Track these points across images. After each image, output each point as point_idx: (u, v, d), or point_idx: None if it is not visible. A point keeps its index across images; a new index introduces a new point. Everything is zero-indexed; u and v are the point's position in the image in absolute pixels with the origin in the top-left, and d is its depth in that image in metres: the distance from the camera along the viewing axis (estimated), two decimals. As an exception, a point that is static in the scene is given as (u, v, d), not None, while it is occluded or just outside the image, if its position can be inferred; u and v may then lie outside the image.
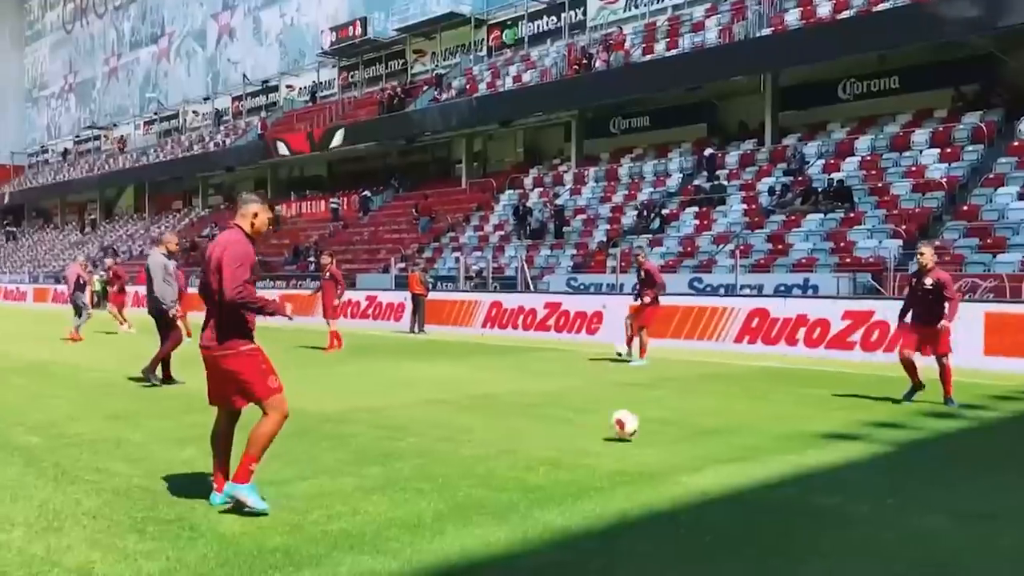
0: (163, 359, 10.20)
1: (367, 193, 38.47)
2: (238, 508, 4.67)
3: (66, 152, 70.70)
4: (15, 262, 58.98)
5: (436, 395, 9.71)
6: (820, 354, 14.48)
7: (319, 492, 5.28)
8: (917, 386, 9.24)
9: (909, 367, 9.23)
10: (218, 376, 4.85)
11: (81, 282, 18.56)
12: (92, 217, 61.75)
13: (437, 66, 39.13)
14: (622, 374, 12.18)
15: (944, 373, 9.08)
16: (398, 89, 38.17)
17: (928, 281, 9.10)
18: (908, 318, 9.46)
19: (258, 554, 4.08)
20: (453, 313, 21.52)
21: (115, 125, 66.12)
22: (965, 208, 19.39)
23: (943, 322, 8.95)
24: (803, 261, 19.81)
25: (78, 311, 18.13)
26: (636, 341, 13.70)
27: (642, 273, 13.84)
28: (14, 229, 69.89)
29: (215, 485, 4.91)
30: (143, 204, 58.15)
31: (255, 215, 4.96)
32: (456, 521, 4.65)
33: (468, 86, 35.36)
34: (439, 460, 6.23)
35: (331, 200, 39.89)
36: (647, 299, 13.56)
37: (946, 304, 8.98)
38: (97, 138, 68.06)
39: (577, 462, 6.20)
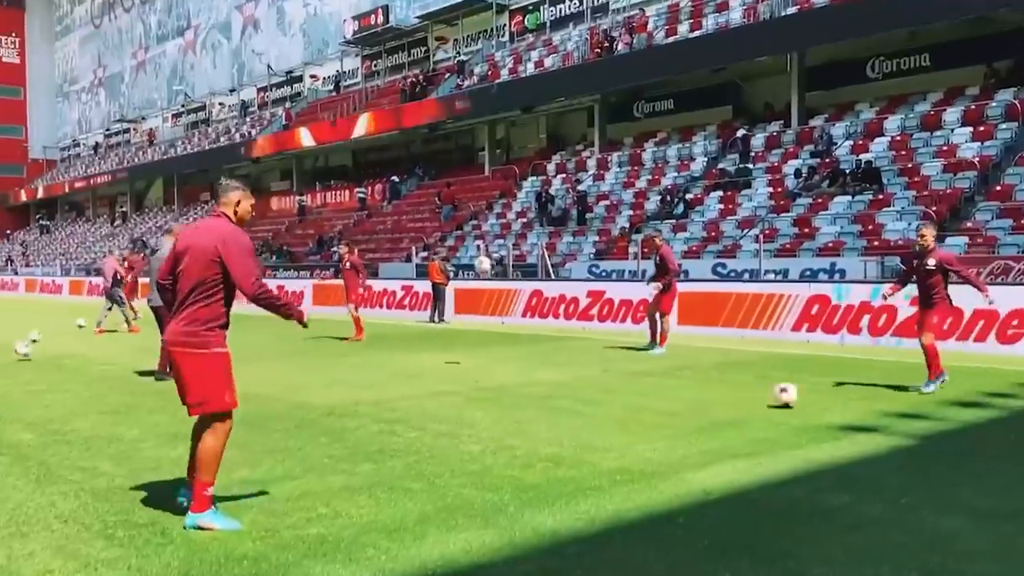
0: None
1: (395, 178, 38.29)
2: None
3: (97, 146, 71.48)
4: (48, 255, 59.75)
5: (446, 387, 9.50)
6: (886, 342, 13.47)
7: (304, 492, 5.08)
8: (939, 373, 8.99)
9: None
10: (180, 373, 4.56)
11: (118, 276, 18.66)
12: (123, 210, 62.39)
13: (459, 53, 38.82)
14: (639, 363, 11.89)
15: (927, 354, 8.89)
16: (420, 77, 37.95)
17: (930, 262, 8.83)
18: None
19: (224, 562, 3.88)
20: (492, 302, 20.65)
21: (144, 118, 66.67)
22: (998, 188, 18.80)
23: (987, 295, 8.74)
24: (830, 245, 19.33)
25: (113, 304, 18.34)
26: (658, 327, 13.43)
27: (657, 258, 13.52)
28: (48, 223, 70.86)
29: (189, 483, 4.66)
30: (172, 196, 58.60)
31: (238, 203, 4.68)
32: (440, 524, 4.43)
33: (490, 72, 35.05)
34: (435, 457, 6.01)
35: (358, 189, 39.75)
36: (660, 285, 13.25)
37: (945, 286, 8.83)
38: (127, 131, 68.70)
39: (579, 458, 5.95)
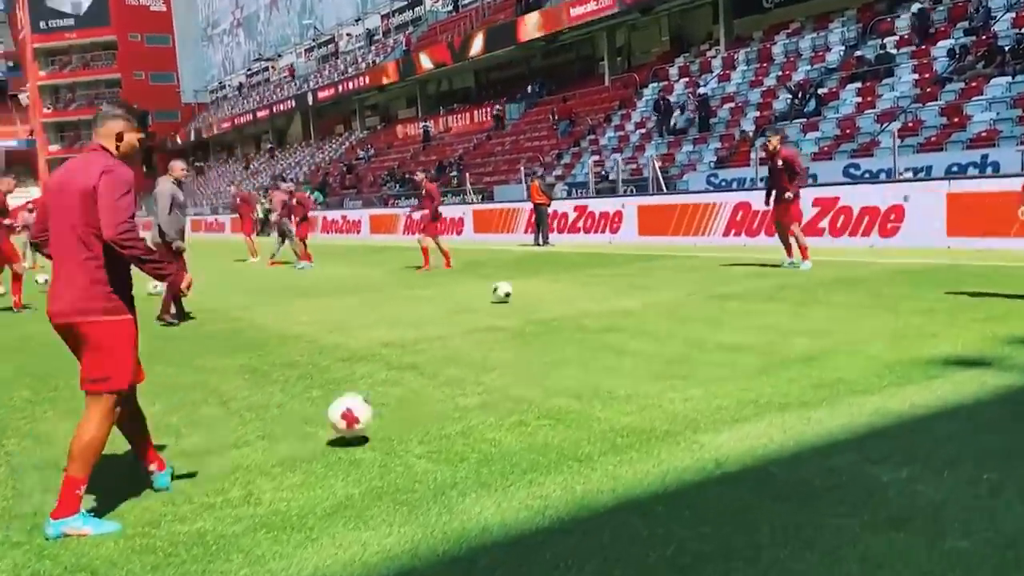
0: (176, 297, 9.70)
1: (497, 107, 37.03)
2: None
3: (240, 86, 73.72)
4: (202, 195, 62.60)
5: (497, 321, 8.58)
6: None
7: (236, 466, 4.32)
8: None
9: None
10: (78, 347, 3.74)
11: (287, 208, 18.69)
12: (270, 146, 64.25)
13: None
14: (736, 284, 10.54)
15: None
16: (533, -14, 36.18)
17: None
18: None
19: (60, 574, 3.17)
20: (684, 222, 17.37)
21: (279, 55, 68.00)
22: None
23: None
24: (983, 135, 16.84)
25: (282, 237, 18.54)
26: (793, 244, 11.93)
27: (779, 162, 11.76)
28: (202, 164, 74.30)
29: (151, 467, 4.06)
30: (308, 131, 59.74)
31: (119, 135, 3.79)
32: (352, 516, 3.55)
33: (606, -27, 32.84)
34: (416, 415, 5.12)
35: (495, 105, 38.40)
36: (789, 194, 11.63)
37: None
38: (266, 70, 70.39)
39: (587, 413, 4.91)
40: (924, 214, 13.25)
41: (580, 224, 20.24)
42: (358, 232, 31.23)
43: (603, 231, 19.52)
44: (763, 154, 13.51)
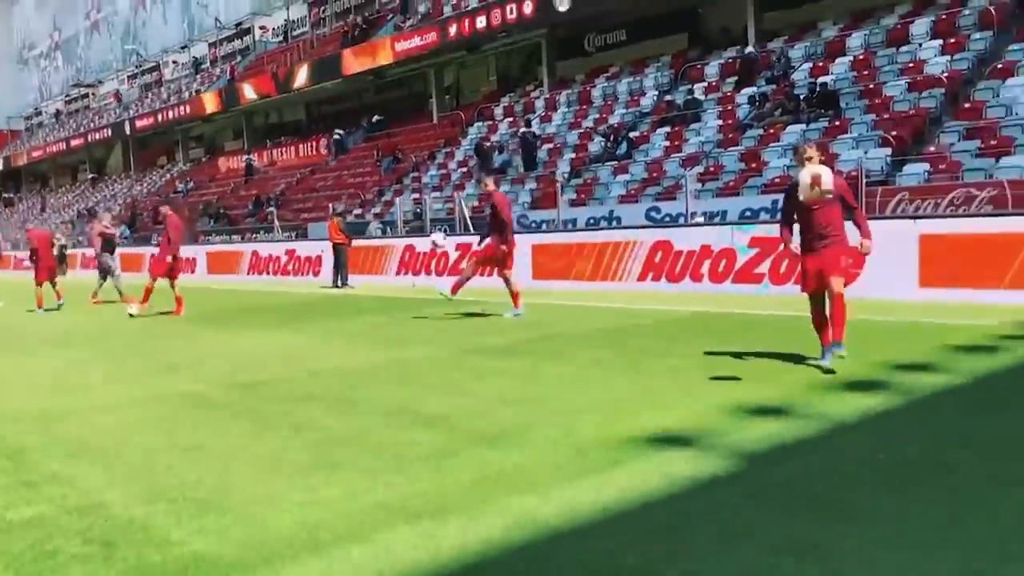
0: None
1: (339, 132, 35.63)
2: None
3: (58, 113, 68.76)
4: (8, 230, 57.47)
5: (193, 385, 7.21)
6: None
7: None
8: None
9: (820, 317, 6.81)
10: None
11: (108, 242, 16.37)
12: (90, 177, 59.93)
13: (403, -9, 35.96)
14: (500, 335, 9.60)
15: (836, 311, 6.52)
16: (359, 20, 35.21)
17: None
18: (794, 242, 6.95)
19: None
20: (591, 263, 14.69)
21: (100, 82, 63.96)
22: (967, 106, 16.25)
23: (865, 242, 6.58)
24: (776, 180, 16.88)
25: (104, 274, 16.18)
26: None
27: (490, 208, 11.18)
28: (11, 195, 68.49)
29: None
30: (128, 162, 56.14)
31: None
32: None
33: (432, 10, 32.29)
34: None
35: (337, 130, 36.29)
36: (503, 247, 10.92)
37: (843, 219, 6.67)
38: (86, 96, 65.96)
39: (156, 533, 3.67)
40: (888, 262, 10.23)
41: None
42: (192, 271, 27.86)
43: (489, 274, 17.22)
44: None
